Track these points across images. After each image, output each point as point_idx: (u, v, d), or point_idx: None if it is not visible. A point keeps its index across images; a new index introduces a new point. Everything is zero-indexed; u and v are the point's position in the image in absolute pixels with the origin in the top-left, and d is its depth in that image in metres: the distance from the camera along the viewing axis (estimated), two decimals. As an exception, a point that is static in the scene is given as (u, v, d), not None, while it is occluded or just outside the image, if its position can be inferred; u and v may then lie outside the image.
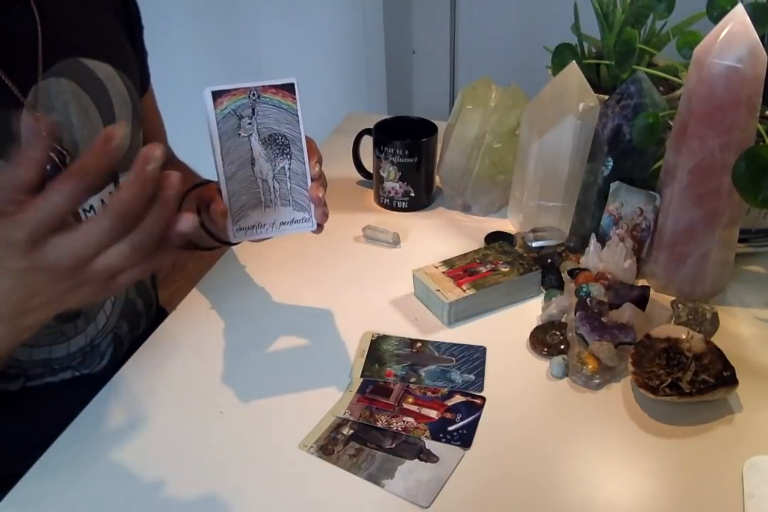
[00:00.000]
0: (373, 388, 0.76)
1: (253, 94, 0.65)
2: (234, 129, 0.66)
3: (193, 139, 2.34)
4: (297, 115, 0.67)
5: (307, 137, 0.68)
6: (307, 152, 0.69)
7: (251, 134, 0.66)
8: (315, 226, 0.71)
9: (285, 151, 0.68)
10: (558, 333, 0.81)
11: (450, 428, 0.71)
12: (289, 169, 0.68)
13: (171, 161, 1.01)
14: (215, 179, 0.69)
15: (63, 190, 0.48)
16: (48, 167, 0.69)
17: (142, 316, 0.90)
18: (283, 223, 0.70)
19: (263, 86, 0.65)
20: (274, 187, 0.69)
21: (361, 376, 0.78)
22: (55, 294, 0.53)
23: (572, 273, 0.88)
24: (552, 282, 0.89)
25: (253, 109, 0.66)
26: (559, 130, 0.90)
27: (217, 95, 0.64)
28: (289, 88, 0.66)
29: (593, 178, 0.91)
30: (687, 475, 0.67)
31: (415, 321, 0.86)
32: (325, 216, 0.71)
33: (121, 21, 0.85)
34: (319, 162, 0.70)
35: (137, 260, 0.51)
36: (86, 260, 0.50)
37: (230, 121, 0.65)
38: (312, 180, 0.70)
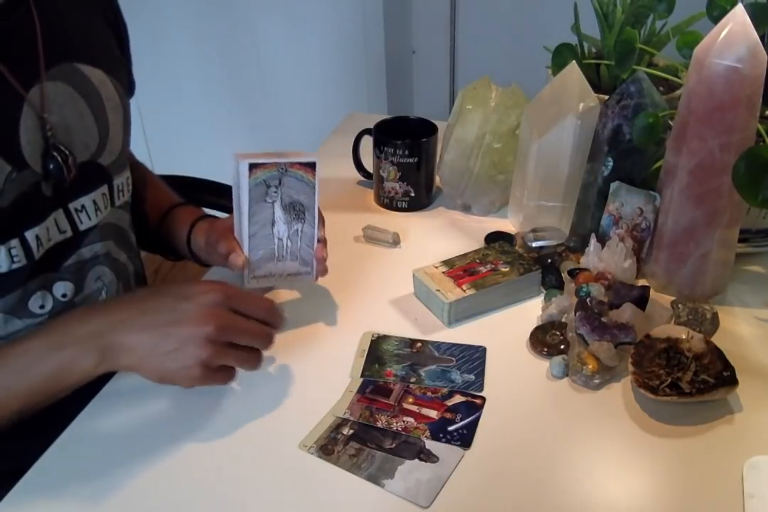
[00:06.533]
0: (373, 388, 0.76)
1: (282, 169, 0.76)
2: (262, 195, 0.77)
3: (191, 136, 2.34)
4: (314, 188, 0.78)
5: None
6: (317, 218, 0.80)
7: (275, 201, 0.77)
8: (314, 279, 0.84)
9: (300, 216, 0.79)
10: (558, 333, 0.81)
11: (450, 428, 0.71)
12: (301, 231, 0.80)
13: (148, 180, 1.02)
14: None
15: (264, 309, 0.69)
16: (51, 166, 0.72)
17: None
18: (290, 274, 0.83)
19: (291, 163, 0.77)
20: (287, 245, 0.81)
21: (361, 376, 0.78)
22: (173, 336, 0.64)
23: (572, 273, 0.88)
24: (552, 282, 0.89)
25: (280, 180, 0.77)
26: (559, 130, 0.90)
27: (252, 167, 0.75)
28: (311, 166, 0.77)
29: (593, 178, 0.91)
30: (687, 475, 0.67)
31: (415, 321, 0.86)
32: (326, 271, 0.83)
33: (111, 28, 0.87)
34: (323, 226, 0.83)
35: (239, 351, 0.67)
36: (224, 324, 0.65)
37: (260, 188, 0.76)
38: (318, 241, 0.82)
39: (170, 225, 0.94)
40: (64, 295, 0.78)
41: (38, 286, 0.75)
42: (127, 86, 0.89)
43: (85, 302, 0.81)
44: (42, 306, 0.76)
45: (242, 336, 0.67)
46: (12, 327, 0.75)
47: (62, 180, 0.74)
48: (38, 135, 0.72)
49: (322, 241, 0.83)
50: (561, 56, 0.98)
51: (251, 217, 0.77)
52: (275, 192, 0.77)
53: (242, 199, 0.76)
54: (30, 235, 0.72)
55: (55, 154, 0.73)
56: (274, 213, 0.78)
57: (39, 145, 0.72)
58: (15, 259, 0.71)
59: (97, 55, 0.81)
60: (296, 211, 0.79)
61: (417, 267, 0.89)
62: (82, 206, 0.78)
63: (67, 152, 0.74)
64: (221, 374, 0.68)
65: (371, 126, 1.06)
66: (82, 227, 0.79)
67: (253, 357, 0.69)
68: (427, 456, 0.68)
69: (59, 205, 0.76)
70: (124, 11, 0.90)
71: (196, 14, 2.04)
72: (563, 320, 0.83)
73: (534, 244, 0.93)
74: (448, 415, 0.72)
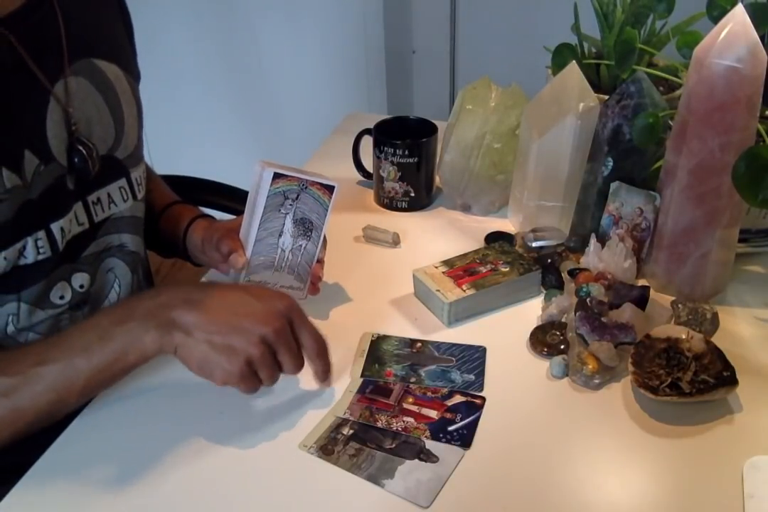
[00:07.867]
0: (373, 388, 0.76)
1: (303, 184, 0.79)
2: (278, 205, 0.79)
3: (191, 136, 2.34)
4: (327, 210, 0.81)
5: None
6: (322, 239, 0.83)
7: (288, 213, 0.80)
8: (305, 297, 0.85)
9: (307, 234, 0.82)
10: (558, 333, 0.81)
11: (450, 428, 0.71)
12: (304, 247, 0.83)
13: (150, 177, 1.02)
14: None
15: (316, 344, 0.70)
16: (76, 159, 0.74)
17: None
18: (283, 286, 0.84)
19: (312, 181, 0.79)
20: (288, 258, 0.83)
21: (361, 376, 0.78)
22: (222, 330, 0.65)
23: (572, 273, 0.88)
24: (552, 282, 0.89)
25: (298, 195, 0.79)
26: (559, 130, 0.89)
27: (276, 176, 0.77)
28: (330, 189, 0.80)
29: (593, 178, 0.91)
30: (687, 475, 0.67)
31: (415, 321, 0.86)
32: (317, 291, 0.86)
33: (119, 22, 0.88)
34: (325, 248, 0.85)
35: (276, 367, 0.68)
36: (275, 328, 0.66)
37: (277, 198, 0.79)
38: (317, 261, 0.84)
39: (168, 221, 0.95)
40: (81, 286, 0.79)
41: (59, 277, 0.77)
42: (137, 76, 0.90)
43: (99, 293, 0.82)
44: (62, 297, 0.77)
45: (286, 352, 0.67)
46: (36, 318, 0.76)
47: (87, 173, 0.76)
48: (63, 129, 0.73)
49: (321, 262, 0.85)
50: (561, 56, 0.98)
51: (262, 223, 0.79)
52: (291, 205, 0.79)
53: (258, 204, 0.79)
54: (55, 227, 0.73)
55: (80, 147, 0.74)
56: (284, 224, 0.80)
57: (64, 138, 0.73)
58: (41, 251, 0.72)
59: (111, 49, 0.82)
60: (305, 227, 0.81)
61: (417, 268, 0.89)
62: (98, 199, 0.80)
63: (91, 145, 0.75)
64: (255, 381, 0.68)
65: (371, 126, 1.06)
66: (96, 219, 0.80)
67: (276, 375, 0.69)
68: (427, 456, 0.68)
69: (79, 197, 0.77)
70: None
71: (196, 14, 2.04)
72: (563, 320, 0.83)
73: (534, 244, 0.93)
74: (448, 415, 0.72)
